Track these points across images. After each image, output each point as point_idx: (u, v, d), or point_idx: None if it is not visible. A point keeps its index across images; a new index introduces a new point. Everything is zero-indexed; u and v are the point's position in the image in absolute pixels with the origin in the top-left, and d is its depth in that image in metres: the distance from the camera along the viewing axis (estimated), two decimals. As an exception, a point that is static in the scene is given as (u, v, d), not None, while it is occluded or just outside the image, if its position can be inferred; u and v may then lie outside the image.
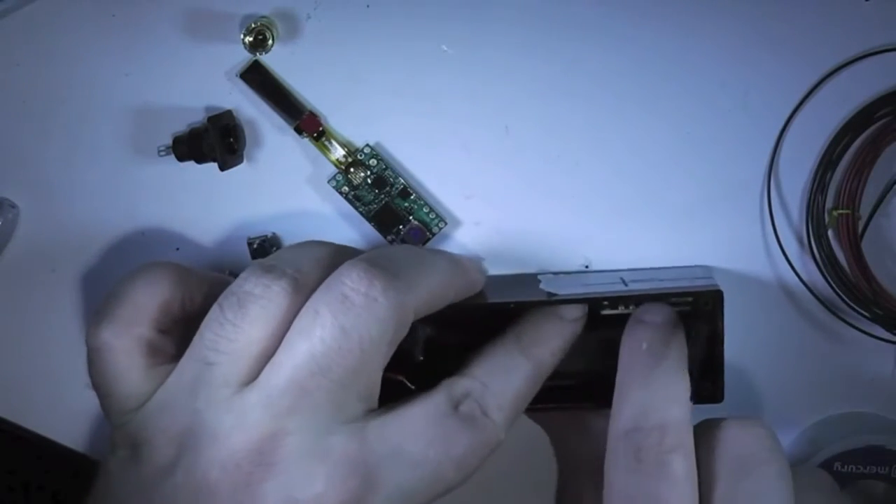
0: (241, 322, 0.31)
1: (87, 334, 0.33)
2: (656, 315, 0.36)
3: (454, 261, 0.36)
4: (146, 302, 0.34)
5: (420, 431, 0.32)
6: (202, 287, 0.35)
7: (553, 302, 0.37)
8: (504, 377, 0.35)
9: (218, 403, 0.31)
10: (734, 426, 0.34)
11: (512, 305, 0.37)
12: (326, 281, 0.32)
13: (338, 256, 0.34)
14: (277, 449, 0.30)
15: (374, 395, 0.32)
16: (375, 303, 0.31)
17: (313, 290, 0.32)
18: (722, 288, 0.37)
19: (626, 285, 0.38)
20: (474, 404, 0.33)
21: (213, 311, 0.32)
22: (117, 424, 0.33)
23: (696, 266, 0.40)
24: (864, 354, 0.42)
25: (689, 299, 0.37)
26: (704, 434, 0.34)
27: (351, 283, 0.31)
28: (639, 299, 0.37)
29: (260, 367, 0.31)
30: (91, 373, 0.33)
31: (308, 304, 0.31)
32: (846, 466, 0.41)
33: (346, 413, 0.31)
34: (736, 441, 0.33)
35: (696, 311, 0.37)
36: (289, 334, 0.31)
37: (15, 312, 0.42)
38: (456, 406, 0.33)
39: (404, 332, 0.33)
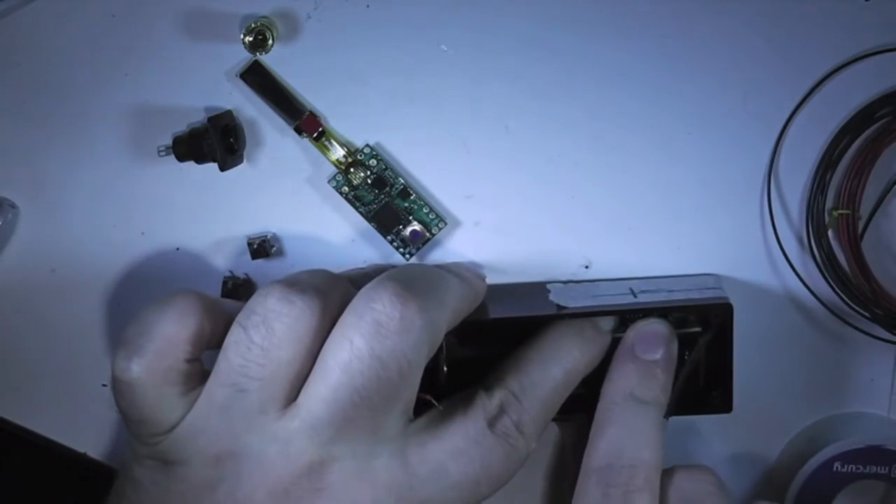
0: (270, 345, 0.31)
1: (115, 367, 0.33)
2: (648, 349, 0.37)
3: (461, 275, 0.36)
4: (177, 334, 0.33)
5: (460, 451, 0.33)
6: (228, 315, 0.34)
7: (563, 315, 0.37)
8: (538, 390, 0.35)
9: (258, 430, 0.31)
10: (683, 472, 0.36)
11: (522, 320, 0.38)
12: (354, 304, 0.32)
13: (346, 281, 0.34)
14: (324, 475, 0.31)
15: (410, 411, 0.33)
16: (412, 326, 0.31)
17: (336, 308, 0.32)
18: (727, 295, 0.38)
19: (635, 296, 0.39)
20: (509, 421, 0.34)
21: (237, 332, 0.32)
22: (146, 444, 0.33)
23: (705, 275, 0.40)
24: (865, 354, 0.42)
25: (698, 311, 0.38)
26: (665, 480, 0.36)
27: (382, 307, 0.31)
28: (648, 313, 0.38)
29: (295, 389, 0.31)
30: (119, 403, 0.33)
31: (340, 330, 0.31)
32: (846, 466, 0.41)
33: (387, 434, 0.32)
34: (686, 483, 0.36)
35: (706, 323, 0.38)
36: (325, 362, 0.31)
37: (15, 312, 0.42)
38: (492, 422, 0.34)
39: (435, 349, 0.33)
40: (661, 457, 0.35)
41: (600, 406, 0.37)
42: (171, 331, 0.33)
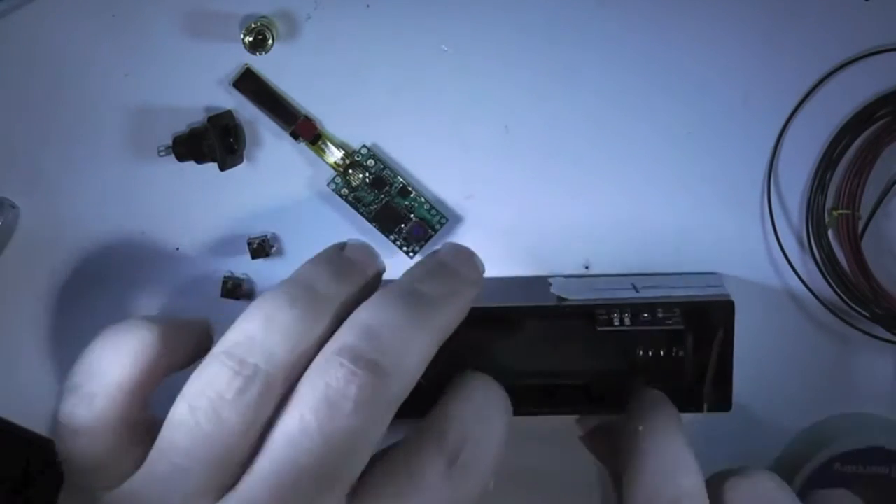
0: (218, 432, 0.29)
1: (61, 412, 0.30)
2: (648, 396, 0.37)
3: (448, 299, 0.32)
4: (131, 379, 0.31)
5: None
6: (188, 341, 0.33)
7: (563, 307, 0.37)
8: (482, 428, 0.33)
9: None
10: (745, 483, 0.34)
11: (522, 310, 0.38)
12: (309, 376, 0.30)
13: (313, 322, 0.31)
14: None
15: (356, 478, 0.30)
16: (366, 406, 0.29)
17: (294, 377, 0.30)
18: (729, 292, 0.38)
19: (637, 291, 0.39)
20: (468, 456, 0.31)
21: (181, 412, 0.29)
22: (86, 491, 0.31)
23: (707, 273, 0.40)
24: (865, 354, 0.42)
25: (700, 308, 0.38)
26: (716, 492, 0.34)
27: (336, 384, 0.29)
28: (650, 307, 0.38)
29: (239, 472, 0.29)
30: (60, 449, 0.31)
31: (292, 405, 0.29)
32: (846, 466, 0.41)
33: None
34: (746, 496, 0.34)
35: (707, 320, 0.38)
36: (272, 437, 0.29)
37: (15, 312, 0.42)
38: (451, 464, 0.31)
39: (389, 420, 0.30)
40: (700, 475, 0.34)
41: (628, 461, 0.35)
42: (125, 376, 0.30)
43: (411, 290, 0.32)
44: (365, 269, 0.33)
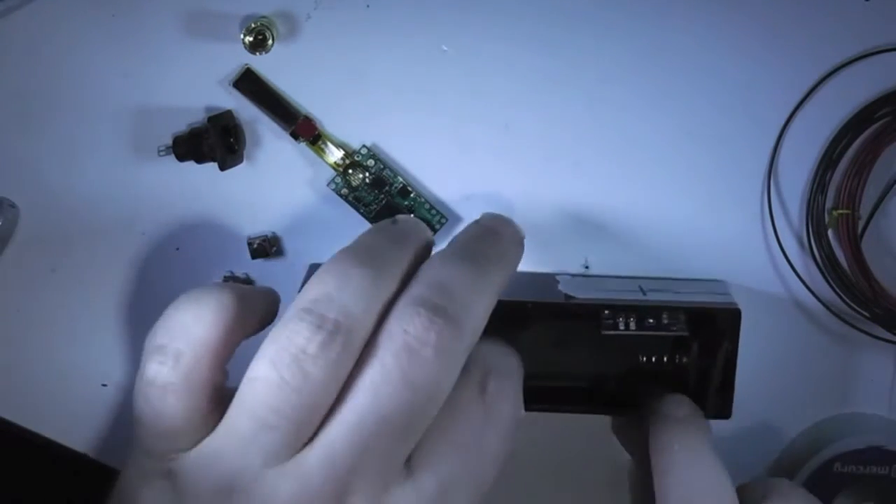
0: (303, 387, 0.29)
1: (148, 370, 0.31)
2: (680, 408, 0.37)
3: (502, 260, 0.34)
4: (216, 339, 0.31)
5: (464, 455, 0.32)
6: (258, 309, 0.33)
7: (571, 305, 0.37)
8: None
9: (279, 466, 0.30)
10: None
11: (530, 305, 0.38)
12: (387, 327, 0.30)
13: (388, 280, 0.32)
14: None
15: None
16: (444, 353, 0.30)
17: (370, 332, 0.30)
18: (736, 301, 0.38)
19: (644, 294, 0.39)
20: (494, 386, 0.33)
21: (263, 368, 0.29)
22: (160, 460, 0.31)
23: (712, 280, 0.41)
24: (864, 354, 0.42)
25: (706, 314, 0.38)
26: None
27: (415, 332, 0.30)
28: (657, 309, 0.38)
29: (321, 424, 0.30)
30: (144, 410, 0.31)
31: (373, 355, 0.30)
32: (846, 466, 0.41)
33: (401, 460, 0.30)
34: None
35: (712, 327, 0.38)
36: (354, 387, 0.30)
37: (15, 312, 0.42)
38: (482, 391, 0.32)
39: (461, 367, 0.32)
40: (736, 498, 0.34)
41: (657, 481, 0.35)
42: (210, 335, 0.31)
43: (469, 250, 0.33)
44: (419, 237, 0.34)
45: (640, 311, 0.38)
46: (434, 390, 0.30)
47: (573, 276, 0.41)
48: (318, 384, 0.29)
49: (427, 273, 0.32)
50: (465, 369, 0.32)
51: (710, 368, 0.38)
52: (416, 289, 0.31)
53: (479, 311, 0.32)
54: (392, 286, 0.31)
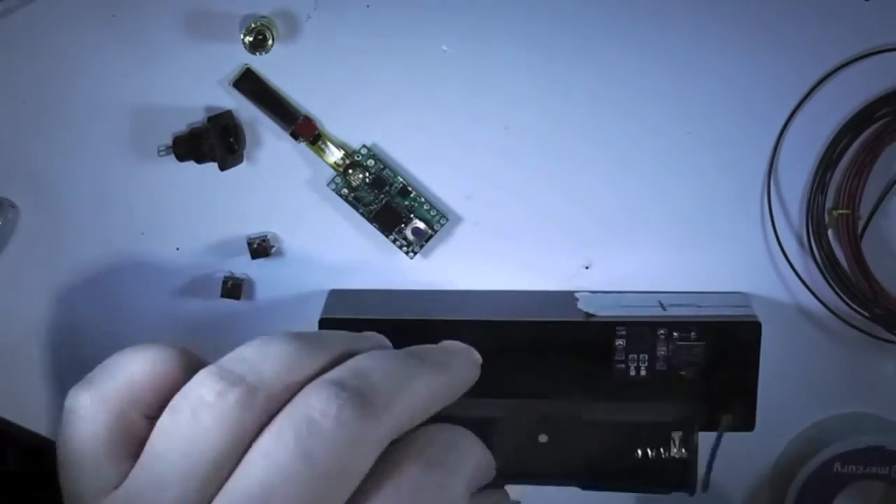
0: (195, 434, 0.28)
1: (67, 398, 0.30)
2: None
3: (441, 367, 0.32)
4: (142, 380, 0.30)
5: None
6: (197, 369, 0.33)
7: (592, 323, 0.38)
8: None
9: None
10: None
11: (550, 324, 0.39)
12: (293, 401, 0.29)
13: (307, 358, 0.30)
14: None
15: None
16: (346, 428, 0.28)
17: (278, 402, 0.29)
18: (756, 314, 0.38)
19: (664, 309, 0.39)
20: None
21: (166, 419, 0.29)
22: (74, 500, 0.30)
23: (733, 293, 0.41)
24: (864, 354, 0.42)
25: (727, 328, 0.38)
26: None
27: (319, 404, 0.28)
28: (677, 326, 0.38)
29: (218, 486, 0.28)
30: (68, 437, 0.30)
31: (272, 424, 0.29)
32: (846, 466, 0.41)
33: None
34: None
35: (734, 340, 0.38)
36: (248, 455, 0.28)
37: (15, 312, 0.42)
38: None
39: (373, 460, 0.29)
40: None
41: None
42: (136, 373, 0.30)
43: (407, 351, 0.32)
44: (380, 341, 0.34)
45: (663, 328, 0.38)
46: (334, 469, 0.28)
47: (592, 292, 0.41)
48: (212, 437, 0.28)
49: (350, 361, 0.31)
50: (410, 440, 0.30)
51: (733, 380, 0.39)
52: (333, 372, 0.30)
53: (402, 404, 0.30)
54: (315, 364, 0.30)
